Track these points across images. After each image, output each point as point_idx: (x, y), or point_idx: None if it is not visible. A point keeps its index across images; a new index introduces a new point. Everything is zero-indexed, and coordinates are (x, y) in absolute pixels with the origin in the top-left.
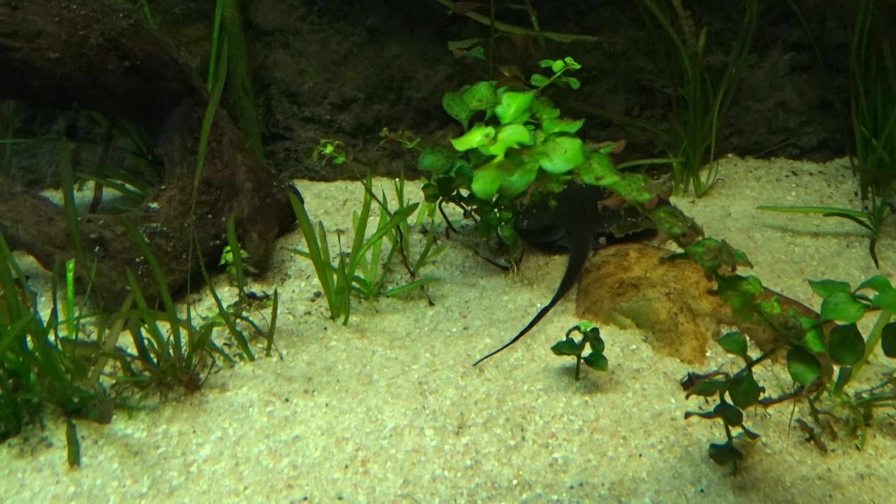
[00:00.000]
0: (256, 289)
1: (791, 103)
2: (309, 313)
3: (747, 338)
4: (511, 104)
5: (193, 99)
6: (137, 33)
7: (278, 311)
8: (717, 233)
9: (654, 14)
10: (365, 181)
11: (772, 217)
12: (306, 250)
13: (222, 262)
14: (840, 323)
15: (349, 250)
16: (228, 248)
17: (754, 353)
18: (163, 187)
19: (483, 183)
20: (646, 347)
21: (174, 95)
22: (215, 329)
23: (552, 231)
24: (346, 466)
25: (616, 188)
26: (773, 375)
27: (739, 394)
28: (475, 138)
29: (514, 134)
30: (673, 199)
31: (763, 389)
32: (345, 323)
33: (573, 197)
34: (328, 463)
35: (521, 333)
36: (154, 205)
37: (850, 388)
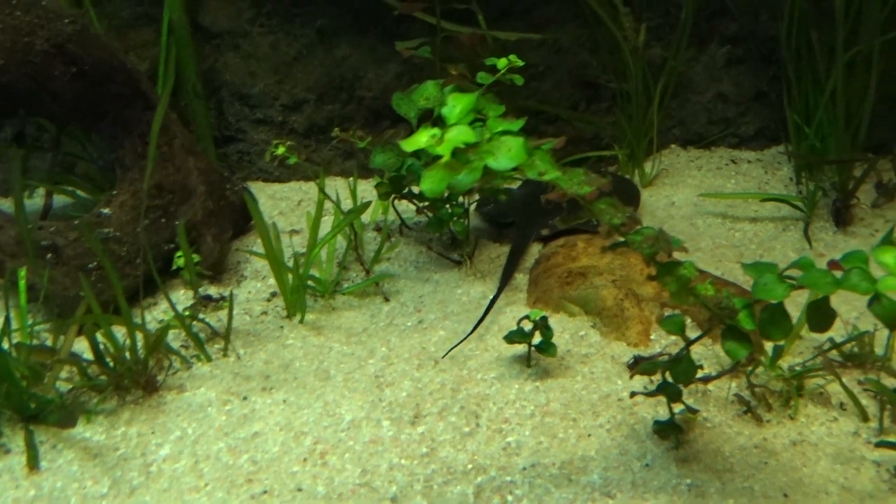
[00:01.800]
0: (213, 291)
1: (729, 95)
2: (265, 313)
3: (688, 319)
4: (456, 105)
5: (143, 103)
6: (84, 38)
7: (235, 312)
8: (661, 221)
9: (596, 11)
10: (318, 181)
11: (713, 204)
12: (261, 251)
13: (174, 266)
14: (770, 302)
15: (304, 250)
16: (180, 252)
17: (694, 334)
18: (114, 192)
19: (431, 182)
20: (594, 333)
21: (123, 100)
22: (172, 332)
23: (504, 217)
24: (305, 459)
25: (558, 183)
26: (713, 354)
27: (679, 372)
28: (422, 139)
29: (459, 134)
30: None
31: (701, 367)
32: (301, 321)
33: (526, 190)
34: (287, 457)
35: (477, 325)
36: (106, 210)
37: (785, 363)
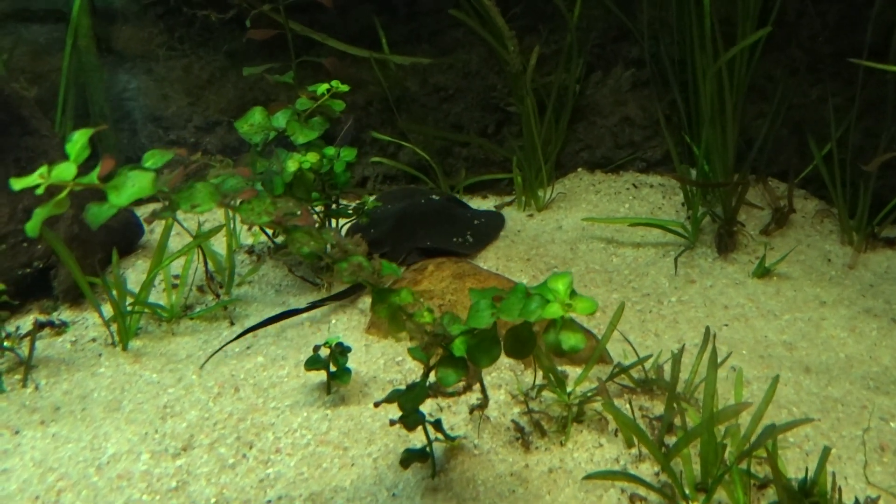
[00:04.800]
0: (68, 315)
1: (635, 118)
2: (94, 340)
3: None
4: (78, 140)
5: (21, 128)
6: None
7: (64, 339)
8: (542, 244)
9: (481, 34)
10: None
11: (601, 229)
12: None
13: None
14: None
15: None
16: None
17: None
18: None
19: (35, 220)
20: (412, 360)
21: None
22: None
23: (380, 245)
24: (37, 498)
25: (238, 212)
26: (514, 379)
27: (408, 399)
28: (33, 178)
29: (60, 172)
30: (513, 213)
31: (454, 394)
32: (124, 348)
33: (405, 213)
34: (20, 495)
35: (243, 333)
36: None
37: (582, 388)
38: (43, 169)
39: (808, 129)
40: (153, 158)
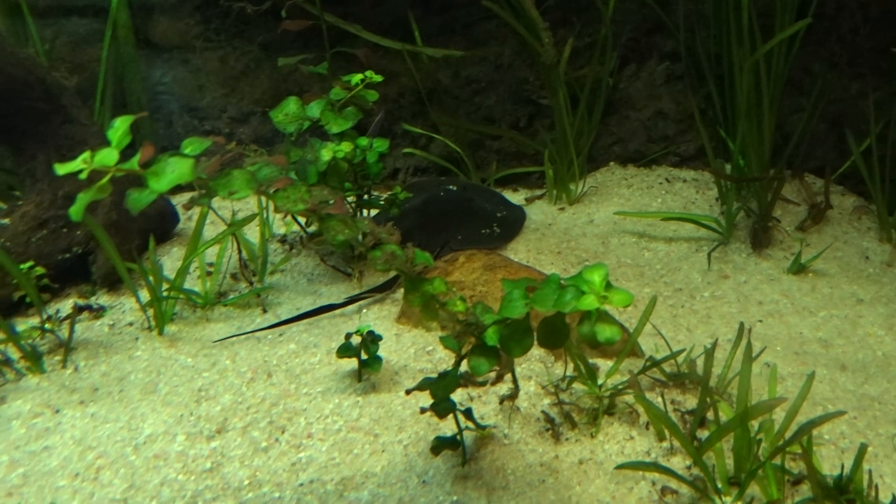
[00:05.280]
0: (106, 299)
1: (669, 112)
2: (131, 324)
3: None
4: (120, 127)
5: (61, 117)
6: None
7: (101, 322)
8: (573, 238)
9: (514, 26)
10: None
11: (633, 223)
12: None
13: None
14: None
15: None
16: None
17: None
18: (19, 203)
19: (78, 205)
20: (442, 349)
21: (39, 114)
22: (35, 340)
23: (408, 238)
24: (78, 475)
25: (274, 200)
26: (544, 371)
27: (439, 388)
28: (76, 164)
29: (102, 157)
30: (544, 206)
31: (485, 384)
32: (160, 333)
33: (430, 206)
34: (62, 472)
35: (278, 324)
36: (4, 221)
37: (613, 380)
38: (86, 154)
39: (847, 124)
40: (192, 145)
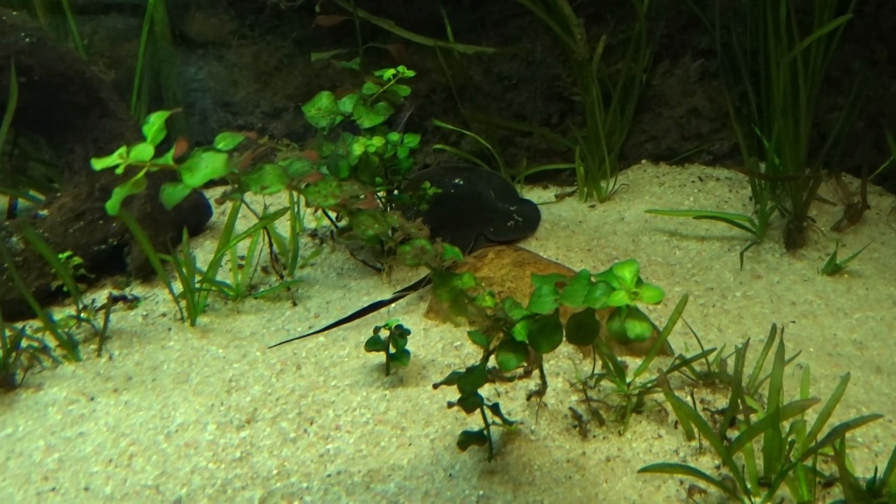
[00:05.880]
0: (140, 290)
1: (702, 109)
2: (164, 314)
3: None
4: (154, 123)
5: (100, 111)
6: (39, 51)
7: (135, 313)
8: (603, 235)
9: (547, 22)
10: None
11: (664, 221)
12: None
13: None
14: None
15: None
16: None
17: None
18: (57, 194)
19: (114, 199)
20: (470, 344)
21: (78, 108)
22: (71, 329)
23: (439, 231)
24: (111, 461)
25: (305, 194)
26: (572, 367)
27: (467, 382)
28: (112, 158)
29: (137, 153)
30: (575, 203)
31: (512, 379)
32: (192, 324)
33: (457, 200)
34: (95, 457)
35: (330, 326)
36: (43, 212)
37: (642, 379)
38: (122, 150)
39: (886, 123)
40: (225, 140)
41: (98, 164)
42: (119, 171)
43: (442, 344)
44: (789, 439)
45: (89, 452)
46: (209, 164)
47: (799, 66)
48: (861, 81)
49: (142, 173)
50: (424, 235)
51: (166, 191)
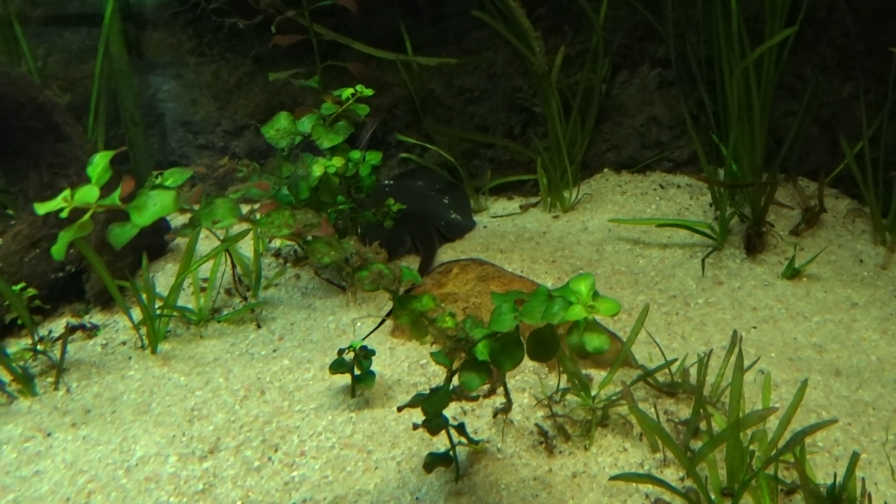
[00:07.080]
0: (100, 318)
1: (662, 118)
2: (124, 343)
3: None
4: (99, 163)
5: (55, 135)
6: None
7: (94, 342)
8: (568, 246)
9: (505, 35)
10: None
11: (627, 230)
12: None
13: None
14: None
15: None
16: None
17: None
18: (12, 223)
19: (60, 244)
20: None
21: (31, 133)
22: (26, 362)
23: (399, 245)
24: (69, 499)
25: (258, 226)
26: (538, 382)
27: (430, 404)
28: (57, 202)
29: (83, 195)
30: (538, 214)
31: (478, 397)
32: (153, 351)
33: (409, 209)
34: (52, 496)
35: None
36: None
37: (607, 391)
38: (66, 193)
39: (840, 127)
40: (173, 177)
41: (41, 208)
42: (63, 214)
43: (408, 363)
44: (751, 448)
45: (46, 491)
46: (158, 202)
47: (752, 74)
48: (813, 87)
49: (87, 216)
50: (382, 259)
51: (114, 231)
